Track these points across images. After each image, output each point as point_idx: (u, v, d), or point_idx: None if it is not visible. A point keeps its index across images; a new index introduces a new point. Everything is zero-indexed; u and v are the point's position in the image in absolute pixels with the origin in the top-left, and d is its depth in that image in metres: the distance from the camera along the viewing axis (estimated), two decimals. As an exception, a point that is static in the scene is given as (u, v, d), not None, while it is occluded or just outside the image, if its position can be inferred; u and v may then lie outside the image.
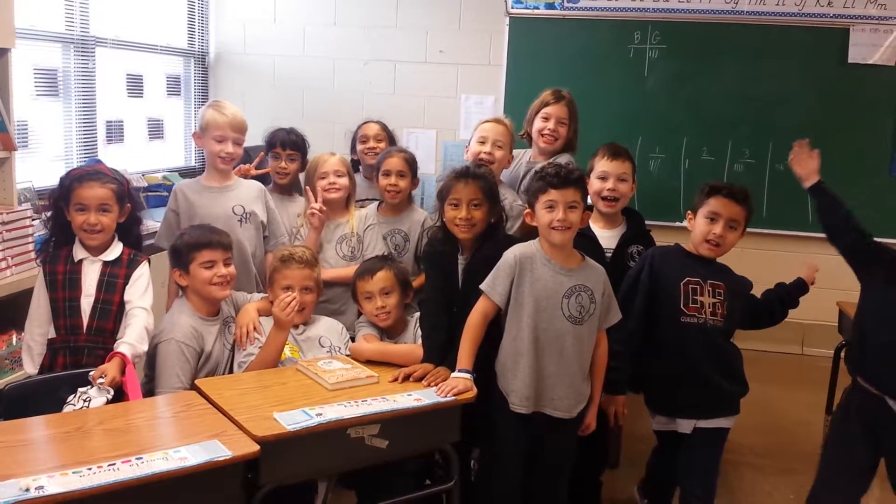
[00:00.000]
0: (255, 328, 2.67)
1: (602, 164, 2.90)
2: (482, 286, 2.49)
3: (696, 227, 2.70)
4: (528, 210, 2.54)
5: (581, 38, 4.91)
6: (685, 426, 2.67)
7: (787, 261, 4.60)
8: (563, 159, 3.18)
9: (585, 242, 2.85)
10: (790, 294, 2.83)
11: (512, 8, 4.95)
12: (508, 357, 2.50)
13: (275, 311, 2.55)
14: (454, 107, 5.07)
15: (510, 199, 3.06)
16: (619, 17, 4.86)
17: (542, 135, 3.29)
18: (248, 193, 3.08)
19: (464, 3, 5.06)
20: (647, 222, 3.05)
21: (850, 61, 4.69)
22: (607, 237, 2.92)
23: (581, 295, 2.47)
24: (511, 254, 2.49)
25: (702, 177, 4.23)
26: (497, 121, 3.25)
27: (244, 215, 3.02)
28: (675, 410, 2.70)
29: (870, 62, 4.68)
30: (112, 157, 4.25)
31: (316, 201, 3.06)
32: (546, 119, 3.28)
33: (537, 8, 4.94)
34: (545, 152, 3.32)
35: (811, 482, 2.66)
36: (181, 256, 2.64)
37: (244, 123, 3.04)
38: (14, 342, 3.02)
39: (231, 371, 2.65)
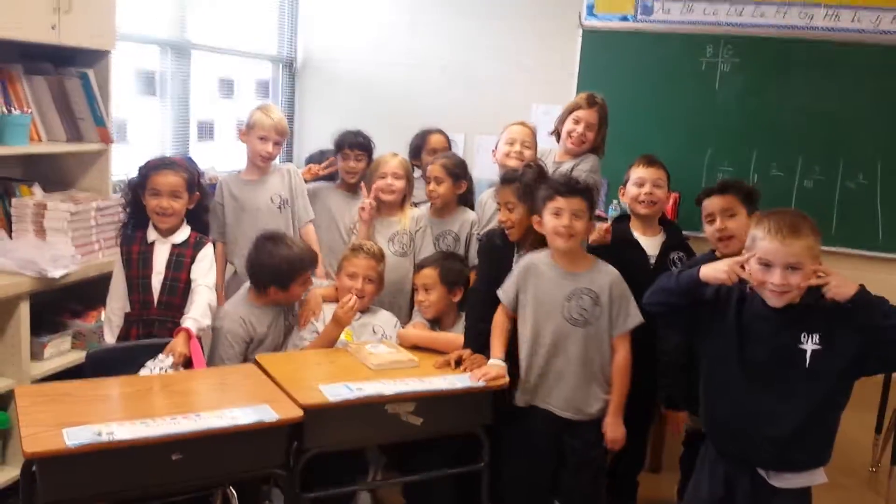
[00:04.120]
0: (314, 314, 2.93)
1: (638, 171, 3.06)
2: (498, 291, 2.66)
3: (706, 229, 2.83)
4: (537, 217, 2.65)
5: (654, 51, 4.93)
6: None
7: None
8: (587, 164, 3.33)
9: (630, 248, 2.97)
10: None
11: (586, 20, 5.05)
12: (519, 354, 2.65)
13: (337, 310, 2.80)
14: (524, 115, 5.19)
15: None
16: (692, 30, 4.87)
17: (570, 136, 3.40)
18: (279, 181, 3.41)
19: (539, 14, 5.19)
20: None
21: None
22: (649, 244, 3.04)
23: (582, 297, 2.56)
24: (521, 261, 2.66)
25: (770, 192, 4.22)
26: (522, 123, 3.53)
27: (281, 203, 3.37)
28: None
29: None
30: (202, 154, 4.57)
31: (369, 197, 3.27)
32: (576, 122, 3.39)
33: (611, 20, 5.03)
34: (570, 153, 3.45)
35: (857, 498, 2.64)
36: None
37: (287, 128, 3.44)
38: (102, 317, 3.33)
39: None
